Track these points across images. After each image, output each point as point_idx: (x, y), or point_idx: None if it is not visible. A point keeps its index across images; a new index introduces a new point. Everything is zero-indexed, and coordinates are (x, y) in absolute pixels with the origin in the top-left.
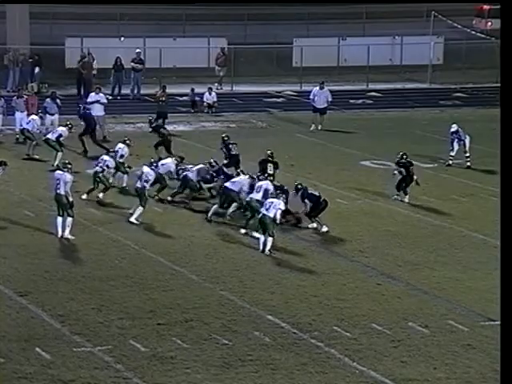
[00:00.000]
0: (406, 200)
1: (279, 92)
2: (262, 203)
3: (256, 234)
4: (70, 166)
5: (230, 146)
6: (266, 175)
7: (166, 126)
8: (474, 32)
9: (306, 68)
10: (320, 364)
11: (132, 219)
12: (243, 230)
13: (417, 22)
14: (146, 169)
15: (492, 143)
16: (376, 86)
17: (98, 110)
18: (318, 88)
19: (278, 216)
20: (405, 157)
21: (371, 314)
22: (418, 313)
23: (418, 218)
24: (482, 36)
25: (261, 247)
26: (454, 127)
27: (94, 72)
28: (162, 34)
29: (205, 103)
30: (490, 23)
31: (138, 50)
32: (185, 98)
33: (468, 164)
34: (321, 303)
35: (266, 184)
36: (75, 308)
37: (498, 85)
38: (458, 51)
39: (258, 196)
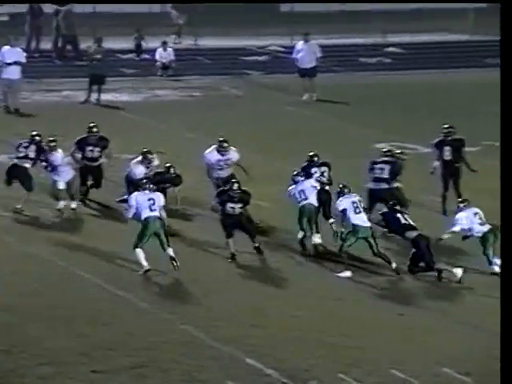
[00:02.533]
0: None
1: (262, 47)
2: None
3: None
4: None
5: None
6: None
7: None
8: None
9: (300, 14)
10: None
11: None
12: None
13: None
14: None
15: None
16: (397, 38)
17: (12, 72)
18: (302, 42)
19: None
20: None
21: (391, 355)
22: (456, 355)
23: None
24: None
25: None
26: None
27: None
28: None
29: (158, 63)
30: None
31: None
32: (130, 55)
33: None
34: (321, 341)
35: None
36: None
37: None
38: None
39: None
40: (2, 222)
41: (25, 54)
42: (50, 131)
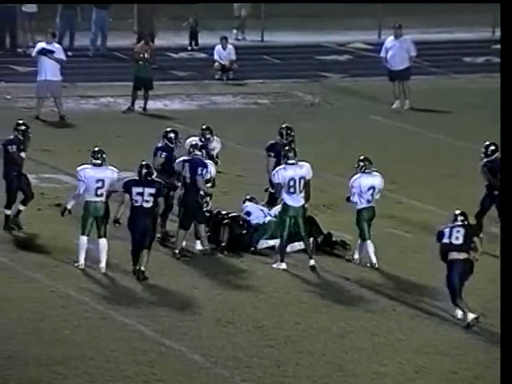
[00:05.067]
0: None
1: (343, 44)
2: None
3: None
4: None
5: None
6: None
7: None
8: None
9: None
10: None
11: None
12: None
13: None
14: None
15: None
16: None
17: (51, 72)
18: (392, 37)
19: None
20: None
21: None
22: None
23: None
24: None
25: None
26: None
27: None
28: None
29: (216, 64)
30: None
31: None
32: (182, 54)
33: None
34: None
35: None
36: None
37: None
38: None
39: None
40: (31, 257)
41: (64, 52)
42: (86, 146)
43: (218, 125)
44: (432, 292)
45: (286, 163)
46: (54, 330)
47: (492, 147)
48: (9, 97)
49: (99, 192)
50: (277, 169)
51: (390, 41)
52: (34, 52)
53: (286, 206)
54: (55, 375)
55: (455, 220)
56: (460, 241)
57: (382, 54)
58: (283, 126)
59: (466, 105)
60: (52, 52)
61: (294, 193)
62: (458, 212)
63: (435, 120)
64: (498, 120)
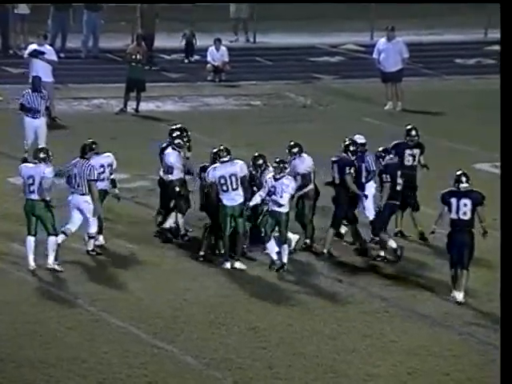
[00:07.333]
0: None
1: (334, 46)
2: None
3: None
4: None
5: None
6: None
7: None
8: None
9: (382, 5)
10: None
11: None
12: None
13: None
14: None
15: None
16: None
17: (42, 73)
18: (384, 39)
19: None
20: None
21: None
22: None
23: None
24: None
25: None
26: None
27: None
28: None
29: (208, 65)
30: None
31: None
32: (175, 55)
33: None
34: None
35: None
36: None
37: None
38: None
39: None
40: (24, 260)
41: (56, 54)
42: (78, 147)
43: (211, 126)
44: (425, 293)
45: (219, 162)
46: (46, 333)
47: (348, 142)
48: (1, 98)
49: (31, 189)
50: (208, 169)
51: (382, 43)
52: (25, 54)
53: (222, 205)
54: (48, 377)
55: (458, 181)
56: (468, 216)
57: (375, 56)
58: (407, 127)
59: (458, 106)
60: (43, 53)
61: (226, 191)
62: (459, 172)
63: (428, 121)
64: (490, 121)
